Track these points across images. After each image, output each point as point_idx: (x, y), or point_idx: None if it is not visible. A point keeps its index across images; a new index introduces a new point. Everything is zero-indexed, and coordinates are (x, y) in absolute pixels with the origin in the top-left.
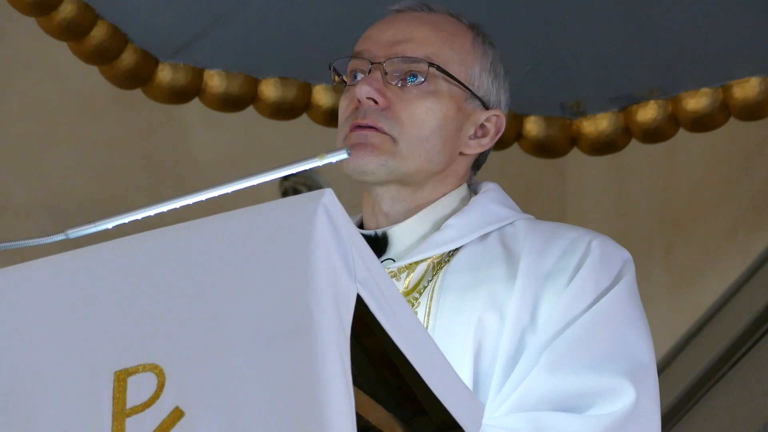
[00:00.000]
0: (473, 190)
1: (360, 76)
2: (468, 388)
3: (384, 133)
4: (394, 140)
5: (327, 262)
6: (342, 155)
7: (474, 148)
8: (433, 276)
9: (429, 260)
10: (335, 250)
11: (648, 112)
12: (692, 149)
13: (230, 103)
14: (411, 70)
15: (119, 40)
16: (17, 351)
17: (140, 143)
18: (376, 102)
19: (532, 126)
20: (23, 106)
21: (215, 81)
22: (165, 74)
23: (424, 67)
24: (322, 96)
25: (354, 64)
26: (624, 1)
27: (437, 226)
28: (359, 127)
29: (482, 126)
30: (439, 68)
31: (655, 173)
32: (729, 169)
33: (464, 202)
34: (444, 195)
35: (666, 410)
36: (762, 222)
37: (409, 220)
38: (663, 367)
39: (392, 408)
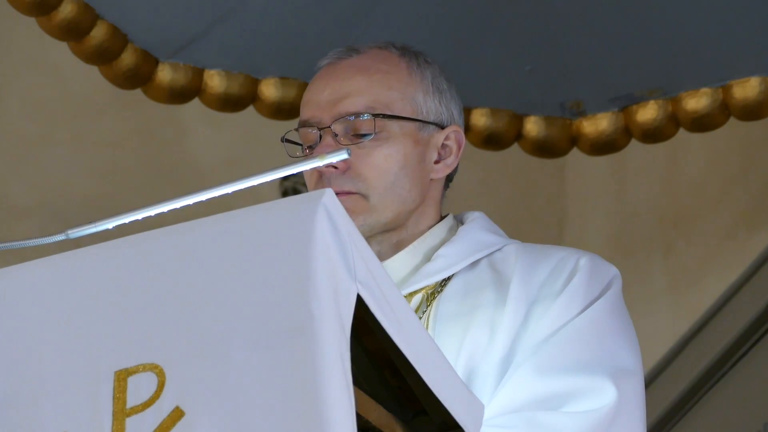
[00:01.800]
0: (459, 220)
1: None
2: (468, 388)
3: (353, 193)
4: (364, 197)
5: (327, 262)
6: (342, 155)
7: (442, 171)
8: (427, 306)
9: (423, 290)
10: (335, 250)
11: (648, 112)
12: (692, 149)
13: (230, 103)
14: (359, 126)
15: (119, 40)
16: (18, 351)
17: (140, 143)
18: (335, 167)
19: (532, 126)
20: (23, 106)
21: (215, 81)
22: (165, 74)
23: (369, 119)
24: None
25: (304, 133)
26: (624, 1)
27: (428, 257)
28: None
29: (444, 146)
30: (384, 115)
31: (655, 173)
32: (729, 169)
33: (452, 231)
34: (429, 226)
35: (666, 410)
36: (762, 222)
37: (401, 254)
38: (663, 368)
39: (392, 408)
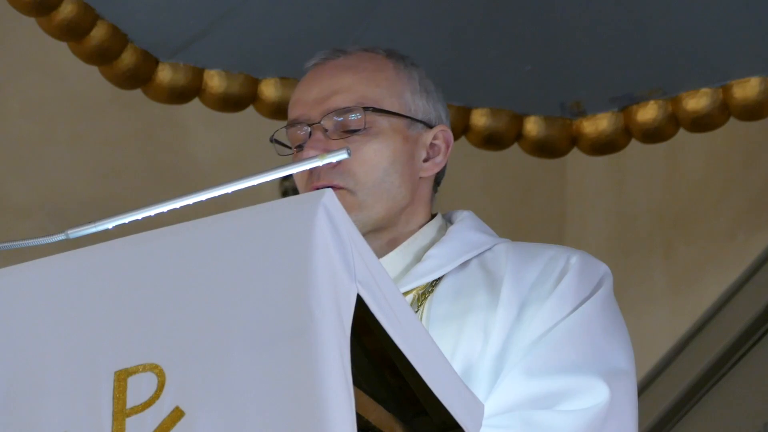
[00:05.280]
0: (448, 219)
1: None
2: (468, 388)
3: (341, 188)
4: (352, 193)
5: (327, 262)
6: (342, 155)
7: (431, 169)
8: (418, 307)
9: (414, 291)
10: (335, 250)
11: (648, 112)
12: (692, 149)
13: (230, 103)
14: (349, 122)
15: (119, 40)
16: (17, 351)
17: (140, 143)
18: None
19: (532, 126)
20: (23, 106)
21: (215, 81)
22: (165, 74)
23: (360, 113)
24: None
25: (293, 132)
26: (624, 1)
27: (418, 257)
28: (317, 189)
29: (432, 145)
30: (374, 109)
31: (655, 173)
32: (729, 169)
33: (442, 231)
34: (419, 226)
35: (666, 410)
36: (762, 222)
37: (391, 254)
38: (663, 367)
39: (392, 408)
